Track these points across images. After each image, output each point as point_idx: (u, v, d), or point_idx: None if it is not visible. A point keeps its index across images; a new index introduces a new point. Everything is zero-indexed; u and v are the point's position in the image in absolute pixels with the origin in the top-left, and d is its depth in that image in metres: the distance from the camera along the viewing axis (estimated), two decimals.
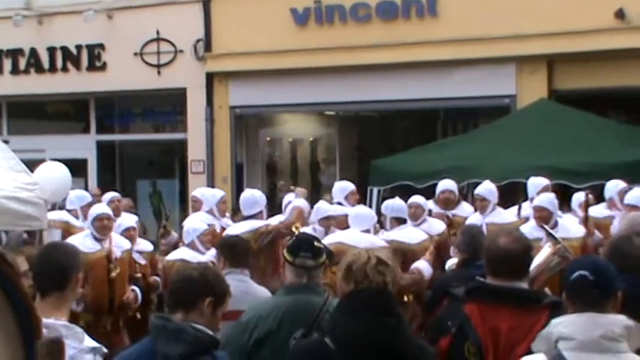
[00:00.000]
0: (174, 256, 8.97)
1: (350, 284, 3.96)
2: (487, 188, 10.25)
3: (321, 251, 5.05)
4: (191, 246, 8.87)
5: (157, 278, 9.73)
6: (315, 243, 5.12)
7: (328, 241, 8.58)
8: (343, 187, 10.89)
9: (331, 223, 9.41)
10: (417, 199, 10.36)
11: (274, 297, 5.14)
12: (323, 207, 9.59)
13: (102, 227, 8.96)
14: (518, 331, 4.23)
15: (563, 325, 3.53)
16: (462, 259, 7.18)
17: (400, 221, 9.48)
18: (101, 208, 9.38)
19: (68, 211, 10.87)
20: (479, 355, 4.26)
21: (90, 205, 10.76)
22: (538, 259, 6.11)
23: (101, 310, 8.75)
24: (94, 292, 8.62)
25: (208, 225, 9.41)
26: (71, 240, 8.78)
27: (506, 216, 10.07)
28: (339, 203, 10.48)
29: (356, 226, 8.79)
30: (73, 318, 8.25)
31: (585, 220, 9.54)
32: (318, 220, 9.34)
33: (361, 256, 4.03)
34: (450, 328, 4.45)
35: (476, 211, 10.35)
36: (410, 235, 9.37)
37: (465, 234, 7.41)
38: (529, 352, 4.03)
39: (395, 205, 9.63)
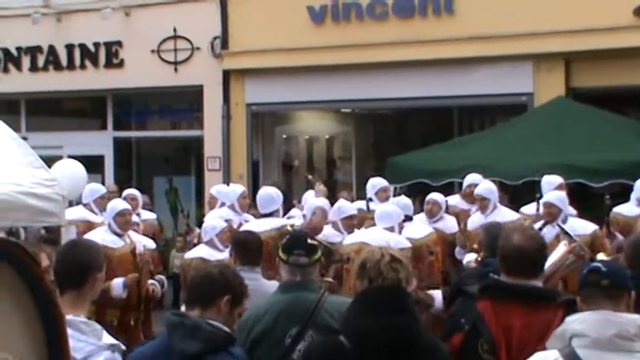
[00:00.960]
0: (192, 254, 8.98)
1: (364, 282, 3.96)
2: (486, 187, 10.28)
3: (315, 248, 5.03)
4: (210, 244, 8.88)
5: (162, 277, 9.75)
6: (309, 240, 5.10)
7: (350, 240, 8.59)
8: (374, 183, 10.97)
9: (353, 222, 9.41)
10: (434, 195, 10.38)
11: (270, 296, 5.10)
12: (345, 206, 9.58)
13: (125, 223, 9.02)
14: (531, 329, 4.23)
15: (577, 322, 3.52)
16: (483, 257, 7.16)
17: (406, 218, 9.50)
18: (122, 203, 9.41)
19: (84, 205, 10.94)
20: (492, 352, 4.26)
21: (104, 197, 10.85)
22: (553, 258, 6.11)
23: (129, 305, 8.78)
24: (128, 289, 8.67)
25: (226, 221, 9.43)
26: (91, 235, 8.83)
27: (508, 215, 10.04)
28: (370, 199, 10.54)
29: (380, 224, 8.77)
30: (102, 313, 8.43)
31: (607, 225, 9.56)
32: (340, 220, 9.32)
33: (375, 253, 4.02)
34: (463, 326, 4.46)
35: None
36: (414, 230, 9.41)
37: (487, 233, 7.37)
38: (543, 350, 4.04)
39: (400, 202, 9.66)
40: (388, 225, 8.73)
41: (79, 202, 11.12)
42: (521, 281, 4.35)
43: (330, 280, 7.44)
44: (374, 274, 3.92)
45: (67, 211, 11.17)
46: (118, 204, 9.29)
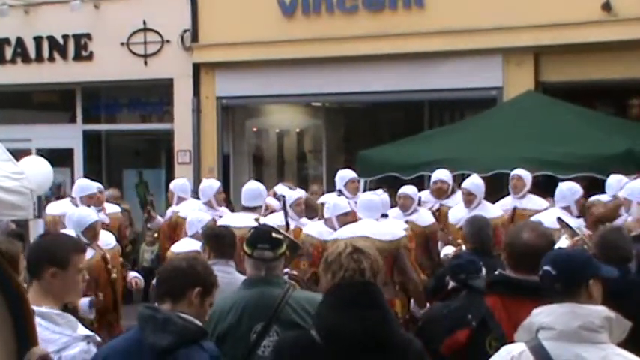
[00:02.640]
0: (178, 248, 8.93)
1: (328, 275, 3.96)
2: (474, 183, 10.27)
3: (280, 242, 5.00)
4: (195, 237, 8.85)
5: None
6: (274, 234, 5.07)
7: (352, 234, 8.31)
8: (343, 175, 10.94)
9: (348, 219, 9.28)
10: (406, 189, 10.38)
11: (235, 291, 5.06)
12: (340, 203, 9.45)
13: (94, 235, 8.66)
14: None
15: (543, 314, 3.55)
16: (470, 248, 7.19)
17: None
18: (91, 215, 8.86)
19: (71, 199, 10.85)
20: None
21: (92, 197, 10.69)
22: None
23: (107, 310, 8.72)
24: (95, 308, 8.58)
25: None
26: None
27: (492, 210, 10.07)
28: (340, 191, 10.53)
29: (368, 216, 8.62)
30: (79, 318, 8.41)
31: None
32: (336, 217, 9.15)
33: (338, 246, 4.02)
34: (470, 321, 4.45)
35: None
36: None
37: (472, 225, 7.39)
38: None
39: (381, 198, 9.65)
40: (376, 216, 8.56)
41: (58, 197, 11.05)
42: (529, 277, 4.33)
43: (295, 272, 7.40)
44: (336, 266, 3.91)
45: (53, 205, 11.24)
46: (86, 217, 8.76)
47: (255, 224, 8.67)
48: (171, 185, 11.55)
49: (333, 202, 9.32)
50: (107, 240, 9.13)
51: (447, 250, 8.56)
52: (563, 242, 6.50)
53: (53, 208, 10.97)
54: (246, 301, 4.83)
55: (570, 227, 6.86)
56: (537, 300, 4.20)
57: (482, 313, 4.39)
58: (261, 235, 5.04)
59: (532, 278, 4.33)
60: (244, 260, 5.05)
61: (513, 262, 4.47)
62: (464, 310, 4.62)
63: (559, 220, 7.64)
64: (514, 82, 14.05)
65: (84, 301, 8.41)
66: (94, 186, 10.98)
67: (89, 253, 8.69)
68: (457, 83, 14.56)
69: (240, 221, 9.11)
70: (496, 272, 4.69)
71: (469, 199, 10.13)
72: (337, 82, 15.27)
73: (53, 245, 4.26)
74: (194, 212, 9.74)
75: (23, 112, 18.56)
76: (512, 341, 4.16)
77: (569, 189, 9.59)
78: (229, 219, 9.50)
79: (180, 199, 11.08)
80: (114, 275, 8.78)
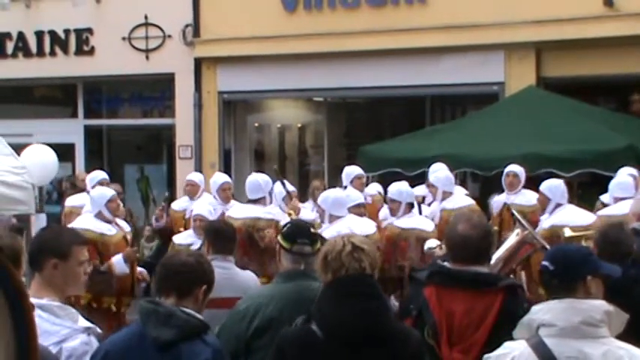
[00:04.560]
0: (186, 240, 8.97)
1: (328, 274, 3.97)
2: (436, 176, 10.41)
3: (317, 238, 5.03)
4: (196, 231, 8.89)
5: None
6: (312, 230, 5.12)
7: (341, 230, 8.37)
8: (350, 171, 11.00)
9: (361, 210, 9.28)
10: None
11: (272, 285, 5.09)
12: (353, 194, 9.48)
13: (116, 207, 8.97)
14: (472, 313, 4.30)
15: (543, 311, 3.55)
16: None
17: (411, 206, 9.59)
18: (109, 190, 9.29)
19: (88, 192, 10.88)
20: (435, 337, 4.32)
21: (101, 183, 10.75)
22: (506, 245, 6.22)
23: (124, 290, 8.76)
24: (120, 275, 8.64)
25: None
26: (82, 222, 8.81)
27: (460, 201, 10.19)
28: (345, 188, 10.56)
29: (339, 213, 8.68)
30: (99, 301, 8.44)
31: None
32: (349, 208, 9.08)
33: (336, 244, 4.02)
34: (412, 311, 4.52)
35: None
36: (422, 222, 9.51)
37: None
38: (491, 334, 4.11)
39: (409, 191, 9.74)
40: (343, 211, 8.70)
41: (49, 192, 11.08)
42: (466, 267, 4.42)
43: None
44: (336, 265, 3.93)
45: (71, 198, 11.37)
46: (106, 191, 9.18)
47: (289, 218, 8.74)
48: (198, 179, 11.46)
49: (346, 193, 9.29)
50: (125, 226, 9.41)
51: (431, 244, 8.56)
52: (512, 237, 6.56)
53: (71, 201, 11.31)
54: (288, 294, 4.84)
55: (521, 222, 6.91)
56: (472, 290, 4.26)
57: (421, 304, 4.45)
58: (301, 230, 5.06)
59: (468, 269, 4.38)
60: (280, 254, 5.03)
61: (451, 253, 4.56)
62: (409, 301, 4.76)
63: (511, 214, 7.71)
64: (516, 78, 14.05)
65: (118, 259, 8.51)
66: (103, 175, 11.16)
67: (112, 230, 8.82)
68: (459, 78, 14.55)
69: (239, 212, 9.17)
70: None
71: (432, 191, 10.36)
72: (339, 78, 15.26)
73: (54, 237, 4.28)
74: (200, 206, 9.78)
75: (24, 106, 18.54)
76: (442, 330, 4.22)
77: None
78: (233, 209, 9.58)
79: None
80: (137, 255, 8.91)
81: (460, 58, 14.48)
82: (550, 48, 14.12)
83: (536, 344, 3.50)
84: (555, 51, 14.09)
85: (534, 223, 8.84)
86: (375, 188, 11.52)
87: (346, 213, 8.75)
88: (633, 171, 10.06)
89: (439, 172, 10.54)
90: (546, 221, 9.02)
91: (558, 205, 9.26)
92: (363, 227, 8.39)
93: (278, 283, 5.04)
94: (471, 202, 10.32)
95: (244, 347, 4.74)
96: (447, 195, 10.30)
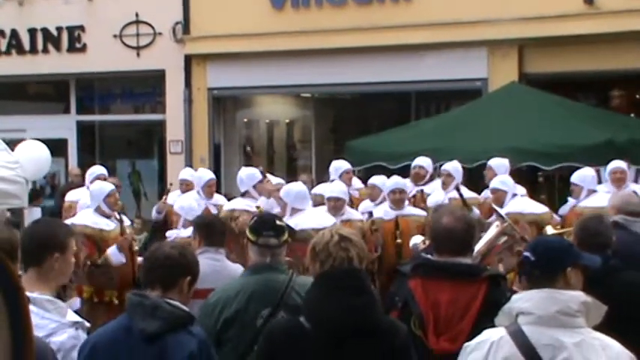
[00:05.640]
0: (183, 234, 8.97)
1: (316, 264, 3.98)
2: (454, 166, 10.40)
3: (284, 230, 4.99)
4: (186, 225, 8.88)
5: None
6: (277, 222, 5.07)
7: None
8: (337, 166, 11.01)
9: (339, 204, 9.24)
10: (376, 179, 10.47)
11: (240, 278, 5.06)
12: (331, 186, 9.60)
13: (115, 202, 8.90)
14: (457, 303, 4.33)
15: (522, 300, 3.56)
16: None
17: None
18: (108, 184, 9.20)
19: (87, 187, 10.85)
20: (421, 327, 4.34)
21: (99, 177, 10.71)
22: (486, 237, 6.27)
23: (126, 283, 8.71)
24: (119, 267, 8.58)
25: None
26: (81, 218, 8.79)
27: (469, 193, 10.18)
28: (334, 181, 10.55)
29: (301, 206, 8.63)
30: (100, 294, 8.42)
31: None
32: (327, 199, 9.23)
33: (324, 235, 4.03)
34: (397, 303, 4.53)
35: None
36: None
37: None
38: (476, 323, 4.13)
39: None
40: (306, 205, 8.74)
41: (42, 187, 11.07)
42: (450, 259, 4.45)
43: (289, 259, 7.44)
44: (324, 255, 3.93)
45: (71, 193, 11.36)
46: (104, 186, 9.09)
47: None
48: (189, 175, 11.46)
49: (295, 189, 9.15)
50: (124, 219, 9.29)
51: (416, 240, 8.55)
52: (493, 229, 6.61)
53: (71, 195, 11.30)
54: (253, 286, 4.81)
55: (501, 215, 6.97)
56: (456, 281, 4.29)
57: (406, 295, 4.45)
58: (266, 223, 5.02)
59: (452, 260, 4.42)
60: (247, 247, 5.02)
61: (436, 245, 4.58)
62: (394, 294, 4.73)
63: (492, 207, 7.78)
64: (499, 74, 14.07)
65: (112, 250, 8.47)
66: (102, 170, 11.17)
67: (111, 225, 8.79)
68: (443, 75, 14.58)
69: (227, 205, 9.18)
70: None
71: (447, 180, 10.23)
72: (326, 74, 15.27)
73: (53, 231, 4.24)
74: (185, 200, 9.76)
75: (18, 102, 18.49)
76: (429, 320, 4.25)
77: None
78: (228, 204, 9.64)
79: None
80: (136, 248, 8.84)
81: (444, 54, 14.50)
82: (532, 45, 14.15)
83: (514, 332, 3.51)
84: (537, 48, 14.12)
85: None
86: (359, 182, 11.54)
87: (307, 206, 8.76)
88: (622, 164, 10.10)
89: (585, 170, 10.29)
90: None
91: (514, 195, 9.45)
92: (321, 220, 8.32)
93: (245, 276, 5.02)
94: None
95: (215, 339, 4.69)
96: (590, 193, 10.07)
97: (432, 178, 10.96)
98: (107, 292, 8.62)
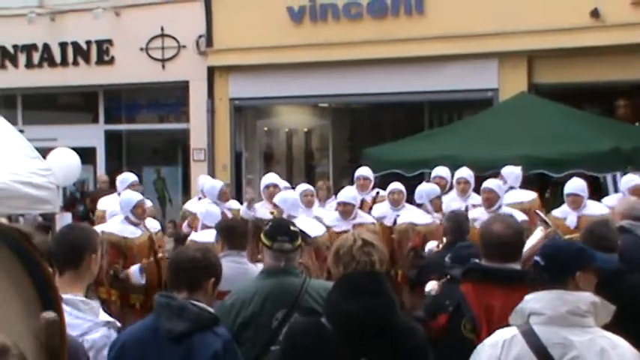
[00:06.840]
0: (200, 238, 8.99)
1: (339, 267, 3.95)
2: (469, 173, 10.40)
3: (297, 235, 4.95)
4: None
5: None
6: (292, 227, 5.02)
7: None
8: (359, 173, 11.19)
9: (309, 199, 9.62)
10: (397, 185, 10.45)
11: (255, 281, 5.02)
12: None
13: (142, 213, 8.89)
14: (509, 308, 4.26)
15: (534, 301, 3.56)
16: (448, 241, 7.20)
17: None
18: (136, 195, 9.10)
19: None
20: (474, 330, 4.32)
21: (134, 185, 10.68)
22: (530, 242, 6.21)
23: (152, 288, 8.61)
24: (146, 273, 8.61)
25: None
26: (108, 226, 8.81)
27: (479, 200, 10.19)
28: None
29: (294, 213, 8.69)
30: (126, 297, 8.50)
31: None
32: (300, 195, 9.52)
33: (348, 239, 3.99)
34: (447, 307, 4.52)
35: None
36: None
37: (451, 220, 7.42)
38: None
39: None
40: (297, 211, 8.85)
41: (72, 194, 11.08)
42: (500, 265, 4.41)
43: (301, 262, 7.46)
44: (347, 259, 3.90)
45: (103, 200, 11.31)
46: (132, 196, 9.01)
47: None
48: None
49: (292, 197, 9.24)
50: (154, 224, 9.35)
51: (431, 245, 8.54)
52: (537, 234, 6.56)
53: (102, 204, 11.16)
54: (269, 289, 4.79)
55: (545, 220, 6.92)
56: (506, 287, 4.27)
57: (458, 299, 4.44)
58: (281, 228, 4.98)
59: (502, 266, 4.39)
60: (262, 251, 5.01)
61: (485, 252, 4.52)
62: (443, 297, 4.72)
63: (536, 213, 7.72)
64: (509, 84, 14.05)
65: (134, 269, 8.49)
66: (133, 178, 11.01)
67: (137, 232, 8.81)
68: (455, 85, 14.56)
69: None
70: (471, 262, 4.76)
71: (465, 187, 10.21)
72: (343, 85, 15.28)
73: (87, 234, 4.32)
74: (194, 206, 9.81)
75: (49, 113, 18.62)
76: (482, 323, 4.23)
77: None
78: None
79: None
80: (160, 255, 8.84)
81: (456, 65, 14.48)
82: (541, 56, 14.12)
83: (526, 331, 3.52)
84: (546, 59, 14.09)
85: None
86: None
87: (300, 213, 8.79)
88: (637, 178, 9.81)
89: (467, 169, 10.46)
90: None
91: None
92: (312, 229, 8.33)
93: (260, 279, 4.98)
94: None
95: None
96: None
97: (451, 187, 10.91)
98: (133, 296, 8.66)
